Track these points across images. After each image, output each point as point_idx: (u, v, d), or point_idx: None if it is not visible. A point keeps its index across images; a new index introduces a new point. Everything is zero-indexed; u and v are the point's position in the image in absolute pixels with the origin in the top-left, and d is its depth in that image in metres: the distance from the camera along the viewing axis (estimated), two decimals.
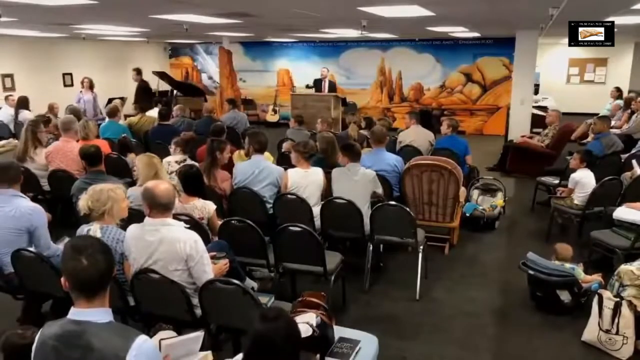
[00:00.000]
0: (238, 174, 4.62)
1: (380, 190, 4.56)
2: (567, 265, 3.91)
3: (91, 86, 9.44)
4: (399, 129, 8.56)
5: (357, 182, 4.36)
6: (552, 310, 3.90)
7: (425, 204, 5.04)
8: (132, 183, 4.55)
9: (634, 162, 5.64)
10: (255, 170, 4.53)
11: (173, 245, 2.77)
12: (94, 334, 1.63)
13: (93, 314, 1.67)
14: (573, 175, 5.22)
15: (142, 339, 1.67)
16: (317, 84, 10.60)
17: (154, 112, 8.22)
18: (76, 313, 1.68)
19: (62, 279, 1.69)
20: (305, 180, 4.42)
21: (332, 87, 10.57)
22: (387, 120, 8.43)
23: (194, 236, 2.82)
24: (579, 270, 3.88)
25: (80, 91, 9.50)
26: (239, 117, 8.77)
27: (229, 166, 4.88)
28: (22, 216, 3.30)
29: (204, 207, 3.70)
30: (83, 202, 2.99)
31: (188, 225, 2.96)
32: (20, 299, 3.49)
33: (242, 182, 4.55)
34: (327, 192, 4.61)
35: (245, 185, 4.51)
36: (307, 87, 11.14)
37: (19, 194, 3.44)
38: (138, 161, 4.04)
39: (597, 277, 3.86)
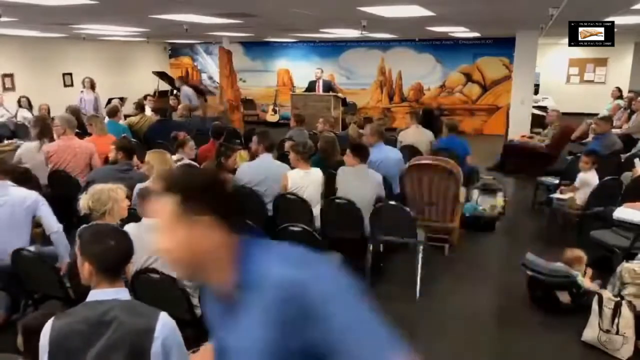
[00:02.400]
0: (245, 174, 4.55)
1: (382, 193, 4.55)
2: (573, 271, 3.89)
3: (92, 86, 9.45)
4: (399, 128, 8.57)
5: (366, 184, 4.34)
6: (552, 310, 3.90)
7: (425, 204, 5.04)
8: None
9: (636, 160, 5.64)
10: (269, 168, 4.52)
11: None
12: (121, 309, 1.73)
13: (116, 292, 1.79)
14: (583, 175, 5.21)
15: (164, 313, 1.78)
16: (311, 85, 10.58)
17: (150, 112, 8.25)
18: (99, 294, 1.78)
19: (86, 266, 1.79)
20: (306, 181, 4.41)
21: (328, 86, 10.53)
22: (384, 120, 8.43)
23: None
24: (581, 278, 3.85)
25: (82, 91, 9.50)
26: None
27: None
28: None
29: None
30: (84, 202, 3.00)
31: None
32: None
33: (252, 181, 4.49)
34: (325, 192, 4.61)
35: (254, 185, 4.48)
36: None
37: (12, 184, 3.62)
38: (151, 157, 4.05)
39: (596, 288, 3.81)
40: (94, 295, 1.78)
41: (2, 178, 3.54)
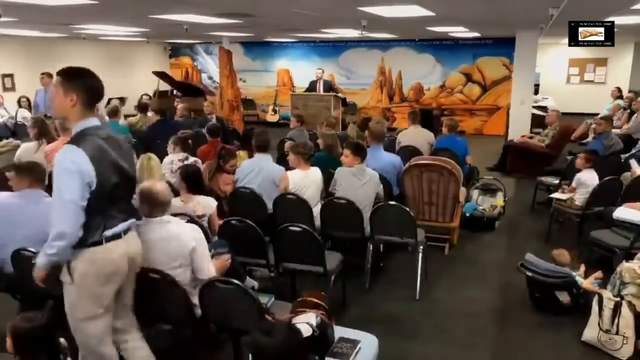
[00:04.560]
0: (240, 173, 4.59)
1: (381, 191, 4.56)
2: (568, 271, 3.89)
3: None
4: (398, 129, 8.56)
5: (365, 184, 4.33)
6: (552, 310, 3.89)
7: (425, 204, 5.04)
8: None
9: (632, 161, 5.64)
10: (255, 168, 4.52)
11: (175, 240, 2.78)
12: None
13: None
14: (579, 175, 5.22)
15: None
16: (312, 85, 10.59)
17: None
18: (92, 121, 2.44)
19: (72, 98, 2.36)
20: (306, 182, 4.41)
21: (329, 86, 10.55)
22: (382, 122, 8.41)
23: (195, 228, 2.86)
24: (579, 279, 3.85)
25: None
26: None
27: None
28: None
29: (207, 203, 3.71)
30: None
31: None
32: (19, 299, 3.49)
33: (242, 180, 4.53)
34: (325, 191, 4.61)
35: (245, 185, 4.50)
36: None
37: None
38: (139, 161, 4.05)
39: (595, 288, 3.79)
40: (89, 122, 2.39)
41: (38, 185, 3.45)
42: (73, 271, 2.40)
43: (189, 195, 3.73)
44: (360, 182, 4.33)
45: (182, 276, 2.83)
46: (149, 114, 8.21)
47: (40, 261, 2.39)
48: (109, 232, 2.43)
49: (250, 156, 5.07)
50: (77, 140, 2.35)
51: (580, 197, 5.15)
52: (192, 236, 2.80)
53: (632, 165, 5.57)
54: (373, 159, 4.98)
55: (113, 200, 2.44)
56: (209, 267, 2.88)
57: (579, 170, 5.29)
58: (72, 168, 2.26)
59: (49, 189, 5.17)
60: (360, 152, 4.40)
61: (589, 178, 5.13)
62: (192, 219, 3.49)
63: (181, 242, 2.78)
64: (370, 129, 5.39)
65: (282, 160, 6.03)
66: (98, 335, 2.53)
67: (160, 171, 4.15)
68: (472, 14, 6.76)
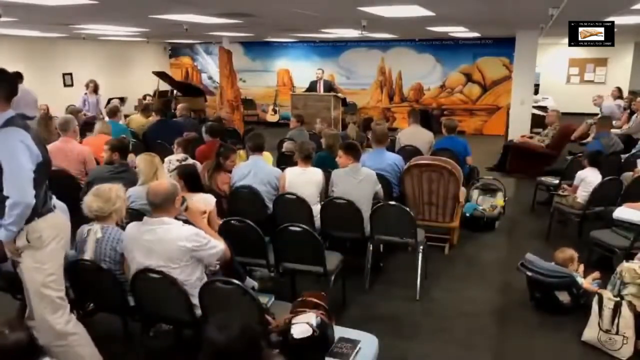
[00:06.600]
0: (236, 174, 4.61)
1: (380, 191, 4.56)
2: (568, 271, 3.89)
3: (96, 89, 9.43)
4: (399, 129, 8.56)
5: (361, 182, 4.34)
6: (552, 310, 3.89)
7: (425, 204, 5.04)
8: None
9: (639, 161, 5.64)
10: (252, 170, 4.53)
11: (172, 244, 2.77)
12: None
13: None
14: (580, 173, 5.23)
15: None
16: (312, 85, 10.59)
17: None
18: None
19: None
20: (301, 179, 4.41)
21: (329, 86, 10.55)
22: (382, 125, 8.42)
23: (193, 230, 2.85)
24: (579, 279, 3.85)
25: (85, 93, 9.47)
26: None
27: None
28: None
29: (206, 200, 3.72)
30: (91, 203, 3.00)
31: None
32: (19, 299, 3.49)
33: (239, 182, 4.55)
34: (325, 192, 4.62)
35: (244, 185, 4.50)
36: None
37: None
38: (139, 160, 4.05)
39: (595, 288, 3.78)
40: (10, 112, 2.57)
41: None
42: (43, 236, 2.67)
43: (188, 195, 3.73)
44: (355, 180, 4.34)
45: (181, 276, 2.83)
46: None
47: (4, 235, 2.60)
48: (52, 202, 2.78)
49: None
50: (13, 123, 2.57)
51: (582, 195, 5.13)
52: (190, 240, 2.79)
53: (639, 164, 5.57)
54: (376, 161, 4.99)
55: (47, 177, 2.75)
56: (216, 245, 2.91)
57: (579, 170, 5.29)
58: (21, 145, 2.52)
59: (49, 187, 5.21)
60: (352, 152, 4.42)
61: (590, 175, 5.13)
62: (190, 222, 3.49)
63: (177, 246, 2.77)
64: (372, 132, 5.41)
65: (281, 159, 6.04)
66: (61, 293, 2.79)
67: (163, 169, 4.16)
68: (472, 14, 6.76)
